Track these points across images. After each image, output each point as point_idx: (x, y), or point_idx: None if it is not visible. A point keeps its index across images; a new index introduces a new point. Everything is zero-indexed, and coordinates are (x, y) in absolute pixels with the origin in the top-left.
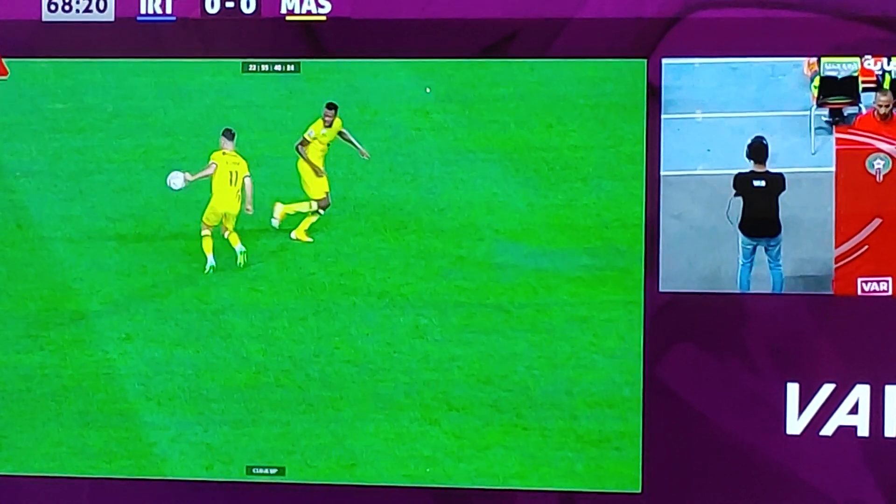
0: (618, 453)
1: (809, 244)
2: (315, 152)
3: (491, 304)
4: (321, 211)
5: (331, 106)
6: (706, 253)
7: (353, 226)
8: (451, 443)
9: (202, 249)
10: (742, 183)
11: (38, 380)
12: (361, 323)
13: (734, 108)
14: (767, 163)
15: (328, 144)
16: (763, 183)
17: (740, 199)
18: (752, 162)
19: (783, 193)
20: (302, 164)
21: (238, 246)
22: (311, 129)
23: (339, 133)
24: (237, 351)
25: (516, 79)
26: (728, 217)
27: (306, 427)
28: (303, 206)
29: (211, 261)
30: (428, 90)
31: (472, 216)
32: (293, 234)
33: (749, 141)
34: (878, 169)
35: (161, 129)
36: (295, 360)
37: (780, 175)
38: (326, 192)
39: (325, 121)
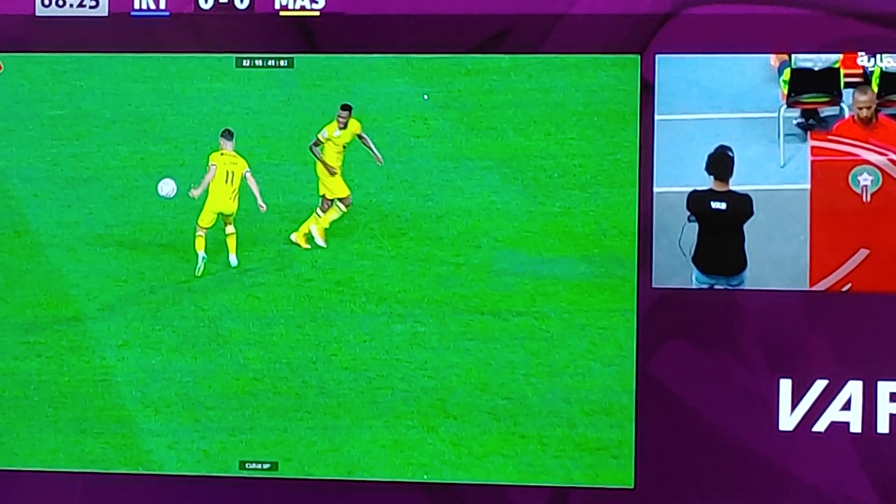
0: (616, 462)
1: (778, 281)
2: (330, 154)
3: (488, 312)
4: (343, 208)
5: (345, 107)
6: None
7: (350, 232)
8: (448, 450)
9: (195, 249)
10: (698, 203)
11: (35, 386)
12: (359, 330)
13: (682, 110)
14: (731, 181)
15: (344, 146)
16: (724, 205)
17: (695, 224)
18: (711, 178)
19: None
20: (319, 166)
21: (232, 257)
22: (324, 129)
23: (359, 136)
24: (234, 357)
25: (514, 85)
26: (680, 247)
27: (303, 434)
28: (333, 214)
29: (202, 257)
30: (426, 97)
31: (469, 224)
32: (293, 237)
33: (711, 151)
34: (865, 186)
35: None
36: (292, 367)
37: (747, 196)
38: (348, 193)
39: (339, 122)
